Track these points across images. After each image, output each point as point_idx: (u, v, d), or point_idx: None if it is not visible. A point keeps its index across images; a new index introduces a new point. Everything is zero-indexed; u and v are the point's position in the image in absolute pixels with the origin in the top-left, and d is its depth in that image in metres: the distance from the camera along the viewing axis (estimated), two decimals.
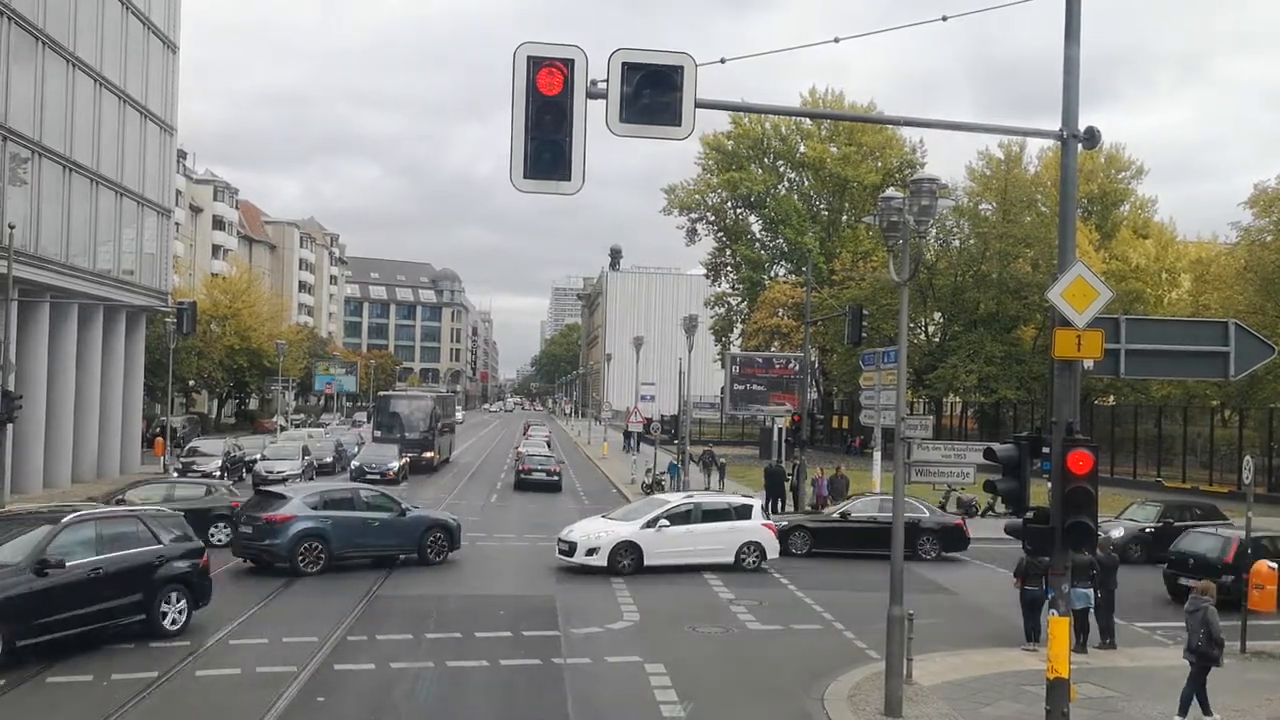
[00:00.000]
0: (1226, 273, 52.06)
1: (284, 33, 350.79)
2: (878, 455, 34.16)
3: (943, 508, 34.26)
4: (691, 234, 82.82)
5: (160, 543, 16.22)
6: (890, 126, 70.22)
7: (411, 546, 23.32)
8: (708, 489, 39.86)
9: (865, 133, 74.54)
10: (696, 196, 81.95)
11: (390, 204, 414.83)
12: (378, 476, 39.23)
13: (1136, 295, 57.63)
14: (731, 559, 23.53)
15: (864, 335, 37.04)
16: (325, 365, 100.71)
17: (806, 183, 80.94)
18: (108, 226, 41.61)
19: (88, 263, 39.86)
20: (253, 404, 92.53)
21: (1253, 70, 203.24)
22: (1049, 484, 11.04)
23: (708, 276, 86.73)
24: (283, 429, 65.17)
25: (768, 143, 80.00)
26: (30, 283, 34.77)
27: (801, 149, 78.61)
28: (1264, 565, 17.11)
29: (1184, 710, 12.94)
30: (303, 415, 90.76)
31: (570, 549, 22.95)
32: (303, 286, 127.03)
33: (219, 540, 23.99)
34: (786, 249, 79.19)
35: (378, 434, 50.28)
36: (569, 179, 9.63)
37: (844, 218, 78.30)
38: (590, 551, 22.62)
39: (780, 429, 40.05)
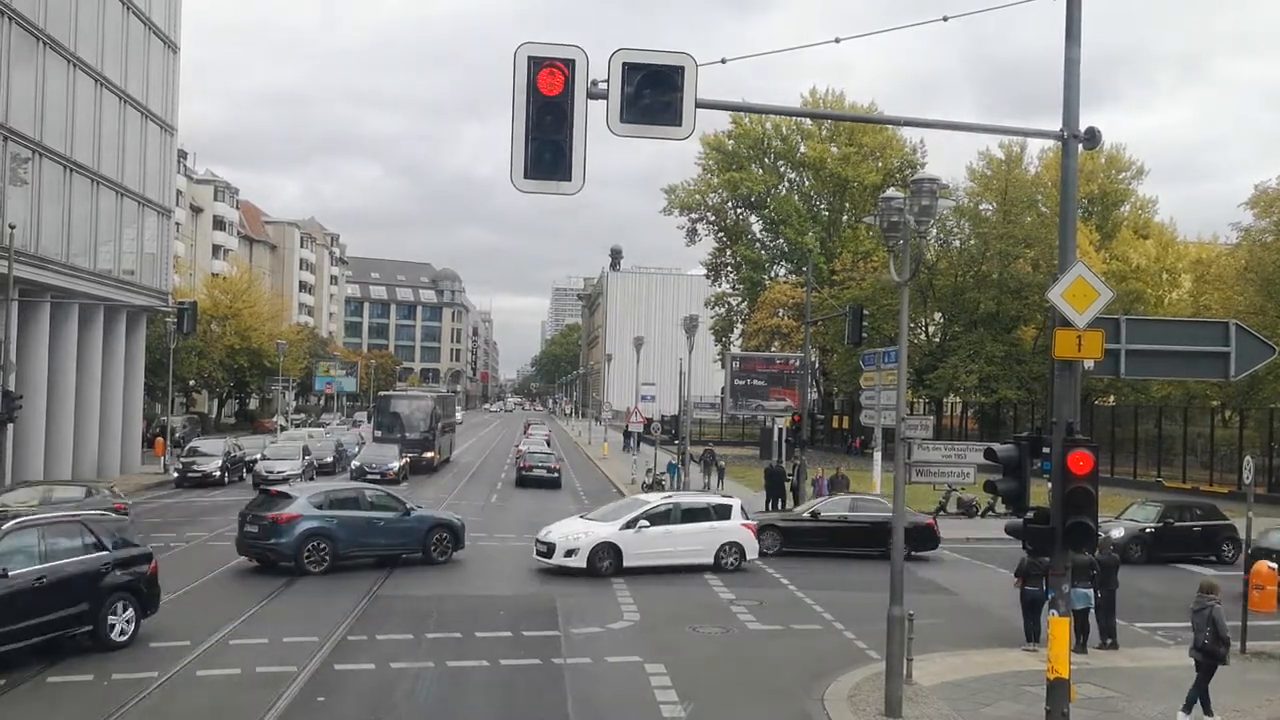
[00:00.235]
0: (1227, 273, 52.05)
1: (284, 33, 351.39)
2: (878, 455, 34.20)
3: (943, 508, 34.33)
4: (692, 234, 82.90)
5: (106, 549, 15.32)
6: (891, 127, 70.20)
7: (416, 546, 23.31)
8: (706, 489, 39.85)
9: (866, 133, 74.53)
10: (697, 196, 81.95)
11: (390, 204, 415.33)
12: (378, 476, 39.21)
13: (1137, 295, 57.63)
14: (711, 559, 23.25)
15: (864, 335, 37.07)
16: (326, 366, 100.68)
17: (807, 183, 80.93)
18: (108, 226, 41.64)
19: (88, 263, 39.89)
20: (253, 404, 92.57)
21: (1253, 70, 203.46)
22: (1049, 484, 11.04)
23: (708, 277, 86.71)
24: (283, 429, 65.20)
25: (768, 143, 80.00)
26: (31, 283, 34.79)
27: (802, 149, 78.58)
28: (1264, 565, 17.09)
29: (1188, 708, 12.92)
30: (303, 415, 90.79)
31: (549, 550, 22.56)
32: (303, 286, 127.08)
33: None
34: (787, 249, 79.18)
35: (378, 434, 50.26)
36: (569, 179, 9.62)
37: (844, 218, 78.27)
38: (569, 553, 22.25)
39: (781, 429, 40.09)
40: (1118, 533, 25.53)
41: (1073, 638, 12.58)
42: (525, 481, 44.79)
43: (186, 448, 44.69)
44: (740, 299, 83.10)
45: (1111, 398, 60.00)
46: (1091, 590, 16.53)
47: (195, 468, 40.87)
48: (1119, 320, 12.54)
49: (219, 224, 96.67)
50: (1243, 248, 51.29)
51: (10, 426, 31.61)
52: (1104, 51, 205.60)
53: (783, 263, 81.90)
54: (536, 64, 9.48)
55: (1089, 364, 11.55)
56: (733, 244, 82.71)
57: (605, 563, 22.24)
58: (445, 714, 12.86)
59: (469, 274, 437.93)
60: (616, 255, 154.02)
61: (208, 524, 29.16)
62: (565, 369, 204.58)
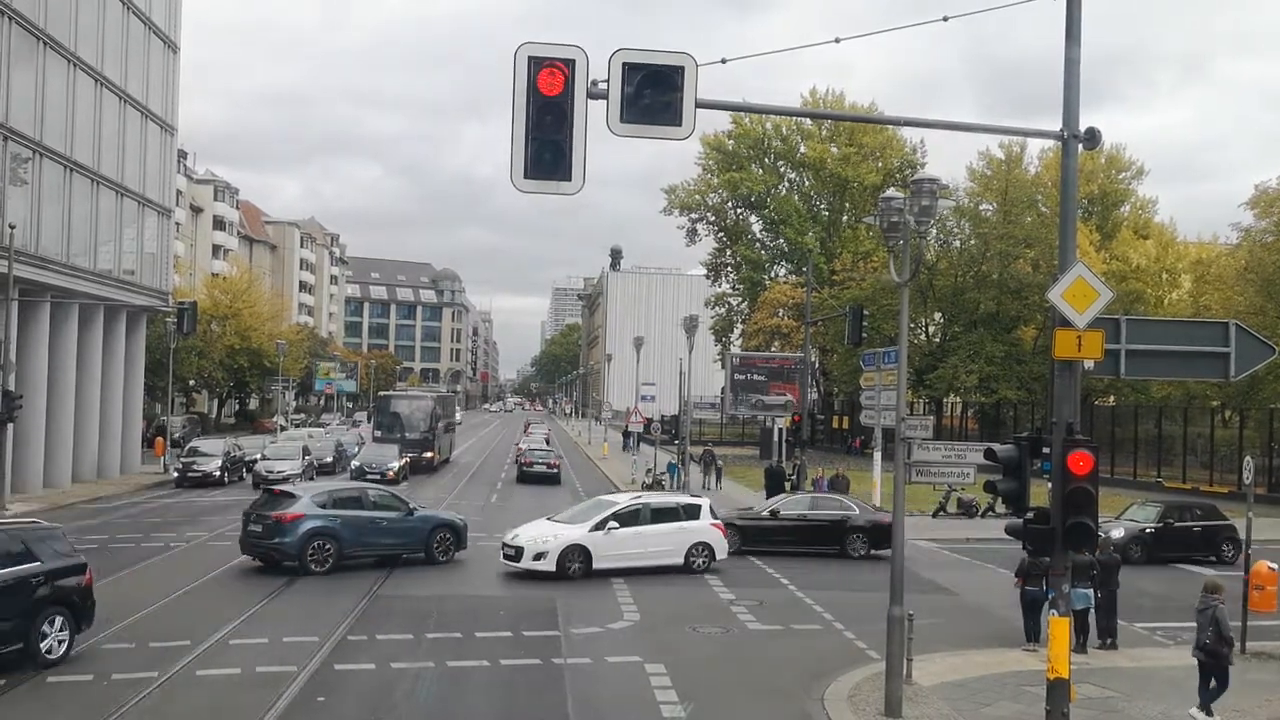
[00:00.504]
0: (1227, 273, 52.01)
1: (284, 33, 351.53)
2: (878, 455, 34.17)
3: (943, 508, 34.33)
4: (692, 234, 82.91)
5: (38, 559, 14.17)
6: (891, 127, 70.13)
7: (419, 546, 23.31)
8: (705, 488, 39.87)
9: (866, 133, 74.53)
10: (697, 196, 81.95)
11: (390, 204, 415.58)
12: (378, 476, 39.18)
13: (1137, 296, 57.62)
14: (681, 560, 22.83)
15: (864, 335, 37.08)
16: (326, 369, 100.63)
17: (807, 183, 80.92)
18: (108, 226, 41.63)
19: (88, 263, 39.88)
20: (253, 404, 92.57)
21: (1253, 70, 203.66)
22: (1049, 484, 11.04)
23: (708, 277, 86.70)
24: (283, 429, 65.23)
25: (768, 143, 80.00)
26: (31, 283, 34.79)
27: (802, 149, 78.58)
28: (1264, 565, 17.06)
29: (1206, 709, 12.91)
30: (303, 415, 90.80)
31: (516, 554, 21.93)
32: (303, 286, 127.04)
33: None
34: (787, 249, 79.18)
35: (378, 434, 50.27)
36: (569, 179, 9.62)
37: (844, 218, 78.27)
38: (538, 556, 21.67)
39: (780, 429, 40.11)
40: (1118, 533, 25.51)
41: (1073, 638, 12.58)
42: (526, 478, 45.91)
43: (186, 448, 44.69)
44: (740, 299, 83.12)
45: (1111, 398, 59.97)
46: (1092, 590, 16.54)
47: (195, 468, 40.89)
48: (1119, 320, 12.53)
49: (219, 224, 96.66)
50: (1243, 248, 51.25)
51: (10, 426, 31.61)
52: (1104, 51, 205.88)
53: (783, 263, 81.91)
54: (537, 64, 9.48)
55: (1089, 364, 11.54)
56: (733, 244, 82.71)
57: (575, 565, 21.70)
58: (445, 714, 12.86)
59: (469, 274, 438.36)
60: (616, 255, 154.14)
61: (208, 524, 29.17)
62: (565, 369, 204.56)
